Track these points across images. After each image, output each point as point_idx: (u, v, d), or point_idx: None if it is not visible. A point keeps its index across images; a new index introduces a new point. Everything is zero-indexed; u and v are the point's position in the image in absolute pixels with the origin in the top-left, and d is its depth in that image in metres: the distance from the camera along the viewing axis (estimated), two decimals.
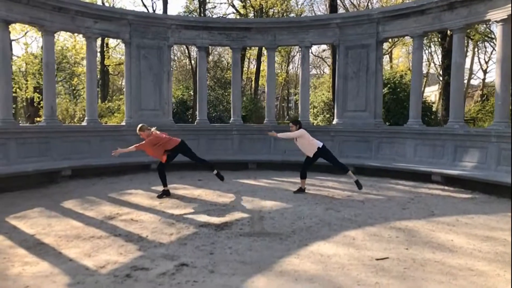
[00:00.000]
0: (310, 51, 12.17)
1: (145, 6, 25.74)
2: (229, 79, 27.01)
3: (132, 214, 6.22)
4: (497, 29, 8.67)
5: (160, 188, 8.36)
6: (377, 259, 4.26)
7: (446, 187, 8.60)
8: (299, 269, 3.98)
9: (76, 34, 23.32)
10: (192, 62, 35.14)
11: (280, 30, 11.68)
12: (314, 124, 17.06)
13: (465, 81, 30.97)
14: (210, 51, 27.32)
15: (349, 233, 5.21)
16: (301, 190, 7.94)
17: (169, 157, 7.68)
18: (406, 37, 13.47)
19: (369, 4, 27.79)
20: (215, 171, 7.89)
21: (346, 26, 11.10)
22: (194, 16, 23.04)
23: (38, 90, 22.58)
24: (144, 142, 7.51)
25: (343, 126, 11.29)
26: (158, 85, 11.27)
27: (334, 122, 11.66)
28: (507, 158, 8.29)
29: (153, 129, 7.71)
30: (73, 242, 4.81)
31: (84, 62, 27.99)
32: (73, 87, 32.78)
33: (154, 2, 28.70)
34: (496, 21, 8.48)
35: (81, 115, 18.18)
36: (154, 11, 24.79)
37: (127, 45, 10.93)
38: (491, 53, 30.78)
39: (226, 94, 23.31)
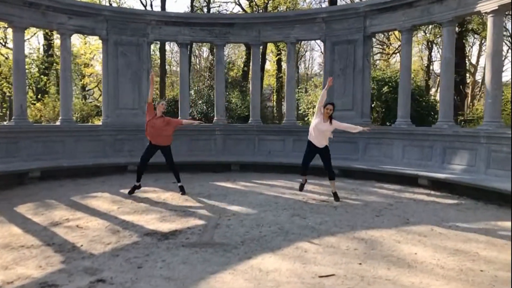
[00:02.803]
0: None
1: (142, 4, 25.21)
2: (232, 77, 26.73)
3: (82, 219, 5.82)
4: (487, 22, 8.05)
5: (125, 191, 8.04)
6: (321, 276, 3.77)
7: (432, 192, 8.04)
8: None
9: (85, 36, 23.29)
10: (202, 61, 35.04)
11: (264, 25, 11.19)
12: (301, 124, 16.48)
13: (471, 78, 30.18)
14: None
15: (303, 244, 4.72)
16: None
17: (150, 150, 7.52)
18: (395, 31, 12.82)
19: None
20: (180, 184, 7.68)
21: (332, 21, 10.56)
22: (176, 12, 22.60)
23: None
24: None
25: None
26: (137, 83, 10.89)
27: None
28: (498, 160, 7.69)
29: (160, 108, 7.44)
30: None
31: (93, 63, 28.41)
32: (84, 87, 32.86)
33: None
34: (486, 12, 7.87)
35: (94, 113, 17.95)
36: (152, 8, 24.48)
37: (104, 42, 10.55)
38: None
39: (227, 93, 22.80)
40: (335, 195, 7.22)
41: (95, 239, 4.87)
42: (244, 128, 11.65)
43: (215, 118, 11.72)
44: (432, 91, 29.85)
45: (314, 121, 7.26)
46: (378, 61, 33.68)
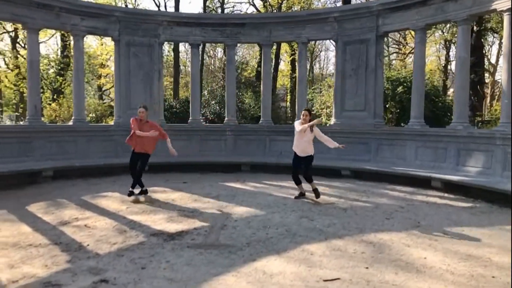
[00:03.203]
0: (307, 47, 11.54)
1: (156, 4, 25.43)
2: (246, 77, 26.69)
3: (90, 219, 5.86)
4: (504, 20, 7.81)
5: (139, 191, 8.08)
6: (326, 280, 3.69)
7: (445, 194, 7.85)
8: None
9: (101, 37, 23.65)
10: (216, 62, 35.17)
11: (275, 25, 11.12)
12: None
13: (490, 78, 29.48)
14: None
15: (309, 247, 4.64)
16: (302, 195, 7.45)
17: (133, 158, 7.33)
18: (407, 30, 12.58)
19: None
20: (131, 190, 7.28)
21: (344, 20, 10.43)
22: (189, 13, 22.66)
23: None
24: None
25: (341, 126, 10.62)
26: (149, 84, 10.95)
27: (332, 122, 11.01)
28: None
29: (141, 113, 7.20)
30: (6, 250, 4.47)
31: (109, 63, 28.81)
32: (100, 88, 33.37)
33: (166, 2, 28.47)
34: (502, 10, 7.64)
35: (108, 113, 18.15)
36: (166, 9, 24.67)
37: (116, 42, 10.64)
38: None
39: (240, 94, 22.78)
40: (301, 195, 7.38)
41: (102, 239, 4.89)
42: (255, 129, 11.61)
43: (226, 118, 11.71)
44: (450, 91, 29.23)
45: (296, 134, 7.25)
46: (394, 61, 33.28)
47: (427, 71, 25.87)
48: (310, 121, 7.07)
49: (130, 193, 7.22)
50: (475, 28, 15.67)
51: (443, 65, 30.20)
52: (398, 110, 15.00)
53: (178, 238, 4.95)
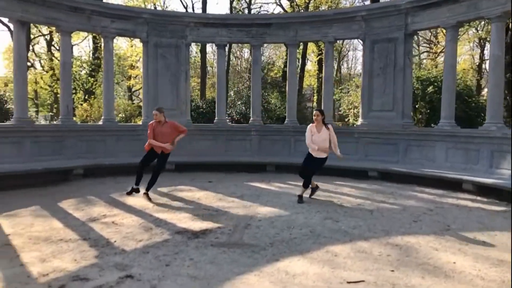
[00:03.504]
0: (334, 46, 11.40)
1: (184, 6, 25.83)
2: (272, 77, 26.71)
3: (118, 216, 6.00)
4: None
5: (165, 189, 8.24)
6: (349, 282, 3.63)
7: (478, 198, 7.58)
8: None
9: (131, 39, 24.29)
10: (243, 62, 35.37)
11: (301, 25, 11.05)
12: (347, 126, 16.13)
13: None
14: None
15: (334, 248, 4.58)
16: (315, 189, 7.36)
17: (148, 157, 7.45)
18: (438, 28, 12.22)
19: None
20: (135, 188, 7.38)
21: (372, 19, 10.25)
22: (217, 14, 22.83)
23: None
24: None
25: (368, 127, 10.44)
26: (176, 85, 11.12)
27: (359, 122, 10.84)
28: None
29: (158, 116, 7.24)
30: (38, 245, 4.64)
31: (139, 65, 29.55)
32: (130, 88, 34.30)
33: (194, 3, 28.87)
34: None
35: (137, 113, 18.57)
36: (193, 10, 25.02)
37: (145, 44, 10.88)
38: None
39: (266, 94, 22.80)
40: (300, 197, 7.10)
41: (128, 236, 5.00)
42: (280, 129, 11.58)
43: (251, 118, 11.74)
44: (484, 91, 28.20)
45: (309, 135, 7.04)
46: (424, 60, 32.45)
47: (460, 70, 25.08)
48: (323, 121, 6.99)
49: (136, 190, 7.34)
50: (511, 26, 15.03)
51: (477, 64, 29.16)
52: (428, 111, 14.61)
53: (202, 237, 5.00)
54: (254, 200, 7.19)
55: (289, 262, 4.15)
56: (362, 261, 4.19)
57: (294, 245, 4.71)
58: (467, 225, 5.69)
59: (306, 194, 7.31)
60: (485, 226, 5.68)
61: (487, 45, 25.38)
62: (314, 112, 7.08)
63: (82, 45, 31.61)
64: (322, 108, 11.42)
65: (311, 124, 7.12)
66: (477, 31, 24.87)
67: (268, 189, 8.46)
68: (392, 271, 3.92)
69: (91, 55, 24.86)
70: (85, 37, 26.99)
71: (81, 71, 24.56)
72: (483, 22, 21.00)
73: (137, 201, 7.10)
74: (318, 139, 6.92)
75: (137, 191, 7.38)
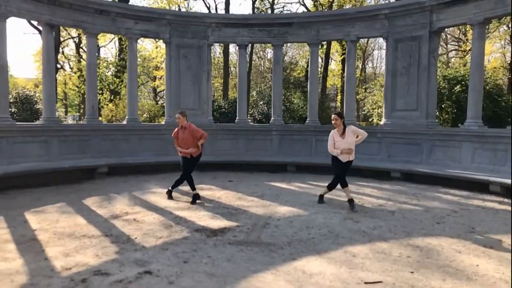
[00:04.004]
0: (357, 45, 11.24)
1: (207, 6, 26.07)
2: (295, 77, 26.62)
3: (139, 213, 6.13)
4: None
5: (186, 188, 8.32)
6: (367, 283, 3.59)
7: (505, 200, 7.33)
8: None
9: (156, 40, 24.74)
10: (266, 62, 35.42)
11: (323, 24, 10.97)
12: (365, 125, 15.88)
13: None
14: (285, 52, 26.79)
15: (352, 249, 4.53)
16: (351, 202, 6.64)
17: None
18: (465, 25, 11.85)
19: None
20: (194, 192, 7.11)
21: (395, 17, 10.06)
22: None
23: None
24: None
25: (392, 126, 10.25)
26: (198, 85, 11.25)
27: (382, 122, 10.67)
28: None
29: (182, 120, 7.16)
30: (63, 240, 4.79)
31: (163, 66, 30.08)
32: (155, 89, 35.00)
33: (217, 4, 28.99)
34: None
35: (160, 114, 18.90)
36: (216, 11, 25.21)
37: (167, 44, 11.05)
38: None
39: (289, 94, 22.73)
40: (350, 202, 6.61)
41: (149, 233, 5.09)
42: (301, 129, 11.53)
43: (272, 118, 11.73)
44: None
45: (331, 142, 6.68)
46: (453, 59, 31.60)
47: (490, 68, 24.28)
48: (343, 124, 6.64)
49: (195, 196, 7.06)
50: None
51: (509, 62, 28.17)
52: (455, 110, 14.24)
53: (221, 235, 5.04)
54: (274, 200, 7.20)
55: (306, 261, 4.13)
56: (380, 262, 4.13)
57: (312, 244, 4.69)
58: (493, 228, 5.51)
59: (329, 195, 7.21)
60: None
61: None
62: (332, 116, 6.70)
63: (109, 46, 32.48)
64: (344, 108, 11.33)
65: (333, 130, 6.72)
66: (508, 28, 24.02)
67: (288, 188, 8.44)
68: (412, 272, 3.84)
69: (117, 57, 25.44)
70: (112, 39, 27.63)
71: (107, 72, 25.19)
72: None
73: (159, 199, 7.22)
74: (342, 145, 6.55)
75: (197, 197, 7.05)
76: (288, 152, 11.25)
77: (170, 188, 7.36)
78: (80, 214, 6.08)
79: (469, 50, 27.36)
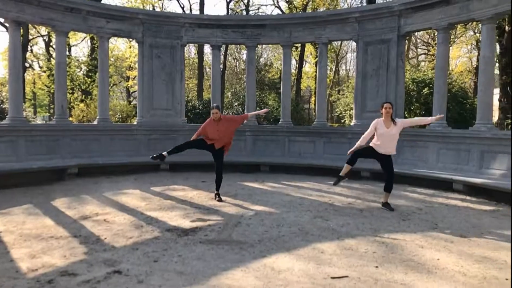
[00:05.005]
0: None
1: (181, 7, 25.91)
2: (270, 79, 26.77)
3: (110, 214, 6.06)
4: None
5: (158, 188, 8.30)
6: (333, 278, 3.70)
7: (467, 197, 7.66)
8: (235, 285, 3.53)
9: (130, 40, 24.35)
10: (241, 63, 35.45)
11: (295, 26, 11.14)
12: (337, 126, 16.21)
13: None
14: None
15: (321, 245, 4.65)
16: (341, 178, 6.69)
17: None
18: (430, 29, 12.30)
19: None
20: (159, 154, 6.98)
21: (365, 21, 10.34)
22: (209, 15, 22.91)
23: None
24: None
25: (362, 127, 10.42)
26: (171, 85, 11.19)
27: (352, 123, 10.92)
28: None
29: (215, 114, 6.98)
30: (29, 241, 4.69)
31: (136, 65, 29.59)
32: (128, 90, 34.41)
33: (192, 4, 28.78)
34: None
35: (133, 114, 18.63)
36: (191, 12, 25.10)
37: (140, 44, 10.95)
38: None
39: (263, 95, 22.85)
40: (387, 205, 6.63)
41: (119, 233, 5.05)
42: (274, 129, 11.65)
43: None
44: None
45: (372, 132, 6.51)
46: (422, 62, 32.59)
47: (457, 72, 25.19)
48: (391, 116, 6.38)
49: (160, 157, 6.94)
50: (507, 28, 15.15)
51: (475, 66, 29.33)
52: (423, 112, 14.71)
53: (192, 234, 5.06)
54: (246, 199, 7.26)
55: (275, 258, 4.21)
56: (347, 258, 4.26)
57: (282, 242, 4.78)
58: (455, 224, 5.76)
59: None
60: (472, 225, 5.75)
61: None
62: (386, 105, 6.36)
63: (81, 45, 31.73)
64: (316, 109, 11.52)
65: (377, 119, 6.47)
66: (474, 33, 25.03)
67: (261, 188, 8.53)
68: (376, 267, 3.99)
69: (88, 56, 24.92)
70: (84, 38, 27.05)
71: (78, 71, 24.63)
72: (480, 25, 21.13)
73: (130, 200, 7.16)
74: (387, 134, 6.31)
75: (162, 157, 6.93)
76: (262, 153, 11.35)
77: (216, 191, 7.25)
78: (48, 215, 5.95)
79: None
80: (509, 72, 15.80)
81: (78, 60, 25.67)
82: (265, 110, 8.00)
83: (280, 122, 11.67)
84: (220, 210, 6.42)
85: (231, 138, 7.30)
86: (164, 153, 6.97)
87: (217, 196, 7.19)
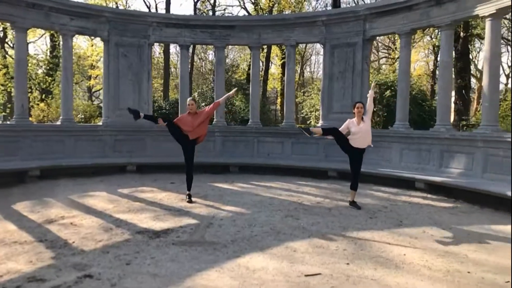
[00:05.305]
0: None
1: (147, 6, 25.43)
2: (237, 80, 26.74)
3: (76, 217, 5.87)
4: (486, 25, 8.03)
5: (126, 190, 8.14)
6: (307, 275, 3.78)
7: (429, 195, 8.02)
8: (211, 285, 3.54)
9: (92, 38, 23.55)
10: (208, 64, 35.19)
11: (264, 28, 11.25)
12: (303, 127, 16.46)
13: (477, 83, 29.98)
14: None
15: (293, 244, 4.74)
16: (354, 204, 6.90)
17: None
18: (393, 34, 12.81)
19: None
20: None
21: (332, 24, 10.60)
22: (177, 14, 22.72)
23: None
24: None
25: None
26: (138, 85, 10.99)
27: (319, 124, 11.15)
28: (494, 164, 7.68)
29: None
30: None
31: (99, 64, 28.69)
32: (90, 89, 33.26)
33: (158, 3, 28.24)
34: (484, 16, 7.86)
35: (97, 114, 18.09)
36: (156, 11, 24.68)
37: (106, 43, 10.67)
38: None
39: (231, 96, 22.75)
40: (354, 204, 6.88)
41: (87, 236, 4.92)
42: (243, 130, 11.70)
43: (214, 119, 11.77)
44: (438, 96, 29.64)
45: (344, 130, 6.73)
46: (383, 66, 33.71)
47: (416, 75, 26.26)
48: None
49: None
50: (461, 34, 15.99)
51: (432, 70, 30.67)
52: (385, 114, 15.23)
53: (164, 236, 5.00)
54: (217, 200, 7.26)
55: (249, 258, 4.25)
56: (319, 255, 4.36)
57: (255, 242, 4.83)
58: (418, 221, 6.03)
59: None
60: (434, 221, 6.04)
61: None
62: (358, 104, 6.67)
63: (39, 43, 30.39)
64: (284, 110, 11.68)
65: (349, 119, 6.78)
66: (431, 38, 26.19)
67: (231, 189, 8.54)
68: (347, 264, 4.12)
69: (48, 54, 23.91)
70: (42, 35, 25.90)
71: (37, 70, 23.59)
72: (436, 30, 22.13)
73: (97, 202, 6.97)
74: (360, 130, 6.57)
75: (136, 114, 7.00)
76: (231, 153, 11.37)
77: (187, 191, 7.23)
78: (10, 220, 5.69)
79: (398, 57, 29.43)
80: (463, 76, 16.70)
81: (36, 58, 24.56)
82: (233, 91, 8.00)
83: (249, 123, 11.74)
84: (191, 211, 6.39)
85: (205, 128, 7.36)
86: (141, 113, 7.08)
87: (188, 197, 7.14)
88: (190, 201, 7.03)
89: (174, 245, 4.63)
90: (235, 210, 6.51)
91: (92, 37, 20.69)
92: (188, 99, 7.33)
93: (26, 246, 4.53)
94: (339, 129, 6.73)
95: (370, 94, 6.76)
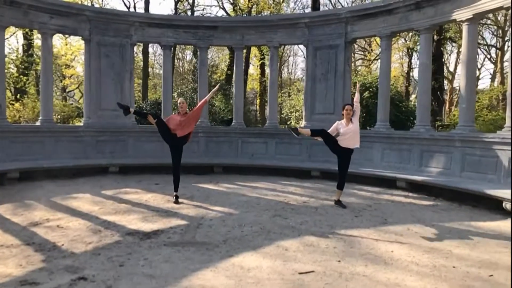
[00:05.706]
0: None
1: (126, 5, 24.99)
2: (216, 80, 26.65)
3: (62, 220, 5.77)
4: (463, 30, 8.36)
5: (110, 192, 8.05)
6: (300, 273, 3.87)
7: (410, 194, 8.27)
8: (208, 285, 3.57)
9: (66, 37, 22.99)
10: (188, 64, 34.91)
11: (247, 29, 11.31)
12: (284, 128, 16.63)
13: (449, 85, 30.97)
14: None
15: (284, 243, 4.82)
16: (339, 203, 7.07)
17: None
18: (375, 37, 13.11)
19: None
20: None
21: (314, 26, 10.76)
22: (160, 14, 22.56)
23: None
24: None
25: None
26: (120, 84, 10.84)
27: (302, 125, 11.30)
28: (471, 163, 7.99)
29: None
30: None
31: (74, 64, 28.00)
32: (65, 89, 32.40)
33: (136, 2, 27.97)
34: (461, 21, 8.18)
35: (75, 115, 17.72)
36: (135, 10, 24.34)
37: (87, 42, 10.48)
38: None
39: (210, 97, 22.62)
40: (340, 203, 7.05)
41: (76, 239, 4.86)
42: (227, 131, 11.72)
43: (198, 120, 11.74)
44: (412, 97, 30.45)
45: (333, 131, 6.86)
46: (360, 67, 34.36)
47: (391, 77, 26.87)
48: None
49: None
50: (435, 37, 16.50)
51: (406, 71, 31.45)
52: (364, 115, 15.55)
53: (154, 237, 4.99)
54: (204, 201, 7.27)
55: (242, 257, 4.31)
56: (311, 253, 4.46)
57: (246, 241, 4.88)
58: (402, 219, 6.22)
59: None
60: (417, 219, 6.25)
61: (415, 55, 27.51)
62: (347, 106, 6.78)
63: (10, 41, 29.39)
64: (268, 110, 11.77)
65: (338, 121, 6.94)
66: (406, 41, 26.87)
67: (217, 190, 8.56)
68: (339, 261, 4.23)
69: (21, 52, 23.17)
70: (14, 33, 25.06)
71: (11, 68, 22.84)
72: (410, 34, 22.75)
73: (81, 204, 6.86)
74: (349, 131, 6.70)
75: (126, 110, 7.16)
76: (215, 154, 11.37)
77: (174, 192, 7.23)
78: None
79: (374, 59, 30.09)
80: (437, 77, 17.25)
81: (10, 57, 23.78)
82: (217, 86, 8.13)
83: (233, 124, 11.76)
84: (179, 212, 6.38)
85: (193, 127, 7.41)
86: (131, 109, 7.22)
87: (175, 198, 7.12)
88: (177, 202, 7.02)
89: (166, 246, 4.63)
90: (223, 210, 6.54)
91: (68, 36, 20.28)
92: (179, 99, 7.42)
93: (13, 250, 4.44)
94: (328, 130, 6.85)
95: (357, 97, 6.92)
